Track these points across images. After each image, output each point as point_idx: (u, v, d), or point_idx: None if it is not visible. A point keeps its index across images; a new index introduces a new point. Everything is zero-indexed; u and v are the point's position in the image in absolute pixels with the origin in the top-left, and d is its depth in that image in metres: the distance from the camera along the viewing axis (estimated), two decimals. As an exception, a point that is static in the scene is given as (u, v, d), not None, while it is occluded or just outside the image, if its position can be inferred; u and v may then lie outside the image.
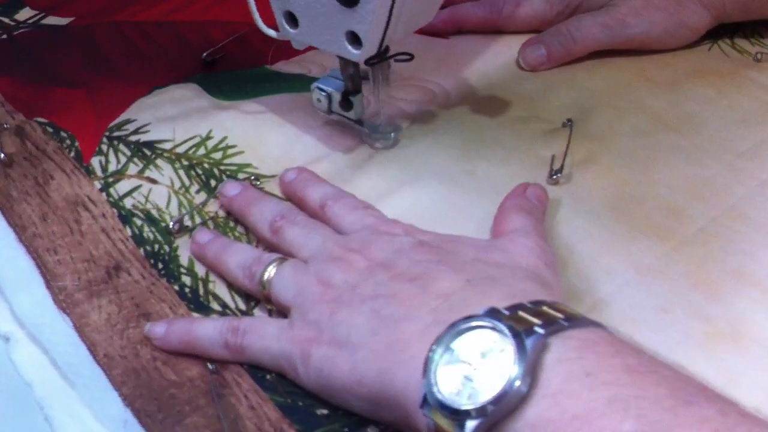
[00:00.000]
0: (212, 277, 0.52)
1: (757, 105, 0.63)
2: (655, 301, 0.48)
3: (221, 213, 0.56)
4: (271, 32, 0.60)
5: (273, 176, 0.59)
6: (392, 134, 0.61)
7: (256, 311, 0.50)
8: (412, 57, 0.58)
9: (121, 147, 0.62)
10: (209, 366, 0.46)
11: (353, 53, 0.55)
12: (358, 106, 0.60)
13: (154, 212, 0.56)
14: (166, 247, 0.54)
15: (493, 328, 0.36)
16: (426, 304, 0.41)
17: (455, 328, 0.37)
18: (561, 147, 0.59)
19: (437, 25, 0.74)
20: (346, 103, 0.60)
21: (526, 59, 0.68)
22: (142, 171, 0.59)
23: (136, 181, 0.59)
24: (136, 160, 0.60)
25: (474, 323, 0.37)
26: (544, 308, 0.38)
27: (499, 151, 0.60)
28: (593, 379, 0.34)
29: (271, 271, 0.48)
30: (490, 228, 0.52)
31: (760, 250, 0.50)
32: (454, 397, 0.35)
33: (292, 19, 0.57)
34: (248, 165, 0.60)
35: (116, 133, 0.63)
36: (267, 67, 0.72)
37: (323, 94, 0.60)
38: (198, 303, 0.50)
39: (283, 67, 0.72)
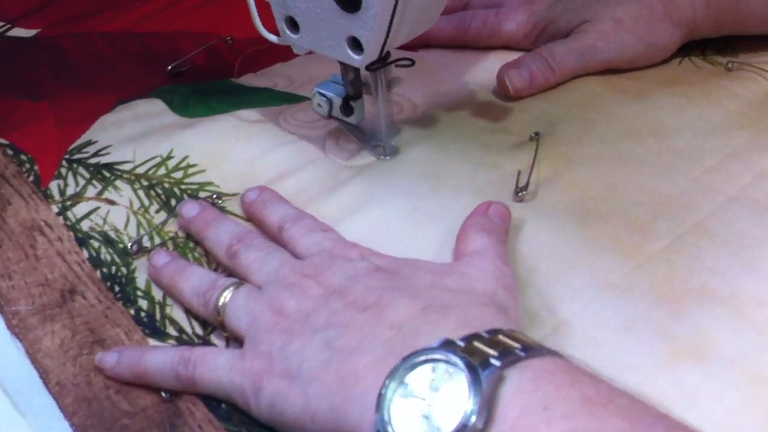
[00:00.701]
0: (169, 301, 0.51)
1: (726, 115, 0.63)
2: (618, 320, 0.47)
3: (181, 233, 0.55)
4: (273, 37, 0.59)
5: (235, 194, 0.58)
6: (392, 140, 0.61)
7: (213, 337, 0.49)
8: (413, 62, 0.59)
9: (80, 170, 0.61)
10: (163, 394, 0.45)
11: (354, 59, 0.55)
12: (358, 111, 0.60)
13: (111, 234, 0.55)
14: (124, 269, 0.53)
15: (447, 362, 0.35)
16: (379, 335, 0.40)
17: (409, 362, 0.36)
18: (528, 161, 0.58)
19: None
20: (347, 109, 0.60)
21: (513, 83, 0.66)
22: (100, 193, 0.58)
23: (94, 203, 0.58)
24: (95, 182, 0.59)
25: (428, 356, 0.36)
26: (500, 337, 0.37)
27: (466, 167, 0.59)
28: (551, 413, 0.34)
29: (225, 297, 0.47)
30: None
31: (725, 267, 0.50)
32: None
33: (293, 25, 0.57)
34: (210, 183, 0.59)
35: (76, 156, 0.62)
36: (232, 80, 0.71)
37: (324, 99, 0.60)
38: (154, 328, 0.49)
39: (249, 80, 0.71)
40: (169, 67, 0.72)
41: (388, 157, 0.61)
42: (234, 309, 0.47)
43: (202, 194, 0.58)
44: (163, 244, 0.54)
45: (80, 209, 0.57)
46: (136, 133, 0.64)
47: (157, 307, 0.50)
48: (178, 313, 0.50)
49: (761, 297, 0.47)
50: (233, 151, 0.61)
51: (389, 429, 0.35)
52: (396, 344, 0.39)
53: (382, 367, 0.38)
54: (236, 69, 0.72)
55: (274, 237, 0.53)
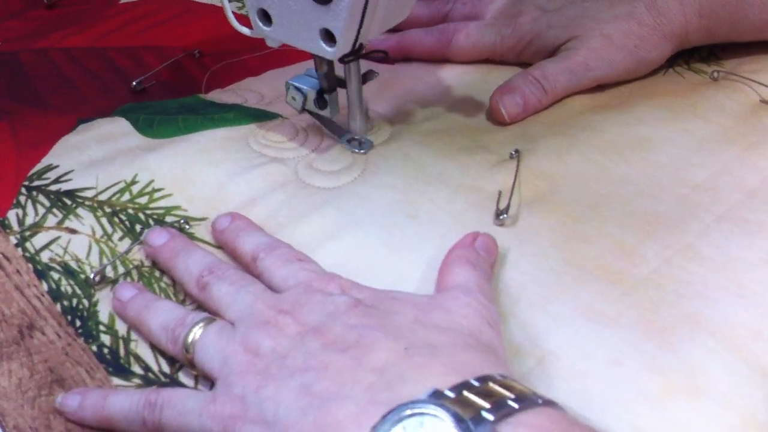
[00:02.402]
0: (134, 336, 0.48)
1: (713, 129, 0.61)
2: (606, 352, 0.45)
3: (146, 262, 0.53)
4: (245, 30, 0.58)
5: (204, 219, 0.55)
6: (366, 134, 0.60)
7: (181, 375, 0.46)
8: (386, 54, 0.59)
9: (40, 198, 0.58)
10: (127, 439, 0.43)
11: (327, 51, 0.54)
12: (333, 105, 0.59)
13: (72, 264, 0.53)
14: (85, 302, 0.50)
15: (436, 416, 0.33)
16: (360, 380, 0.38)
17: (395, 415, 0.34)
18: (508, 181, 0.56)
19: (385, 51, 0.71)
20: (321, 102, 0.59)
21: (508, 110, 0.63)
22: (61, 222, 0.55)
23: (54, 233, 0.55)
24: (55, 210, 0.56)
25: (415, 410, 0.34)
26: (491, 385, 0.35)
27: (443, 189, 0.56)
28: None
29: (195, 334, 0.44)
30: (435, 276, 0.49)
31: (716, 292, 0.47)
32: None
33: (266, 17, 0.56)
34: (177, 207, 0.56)
35: (36, 183, 0.59)
36: (200, 96, 0.68)
37: (298, 92, 0.59)
38: (118, 366, 0.47)
39: (217, 95, 0.68)
40: (133, 83, 0.69)
41: (363, 151, 0.60)
42: (204, 347, 0.44)
43: (168, 219, 0.55)
44: (127, 273, 0.52)
45: (40, 239, 0.54)
46: (99, 156, 0.61)
47: (121, 342, 0.48)
48: (143, 350, 0.47)
49: (754, 327, 0.45)
50: (201, 175, 0.58)
51: None
52: (379, 391, 0.37)
53: (364, 417, 0.36)
54: (204, 84, 0.70)
55: (248, 267, 0.50)
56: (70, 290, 0.51)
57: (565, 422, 0.35)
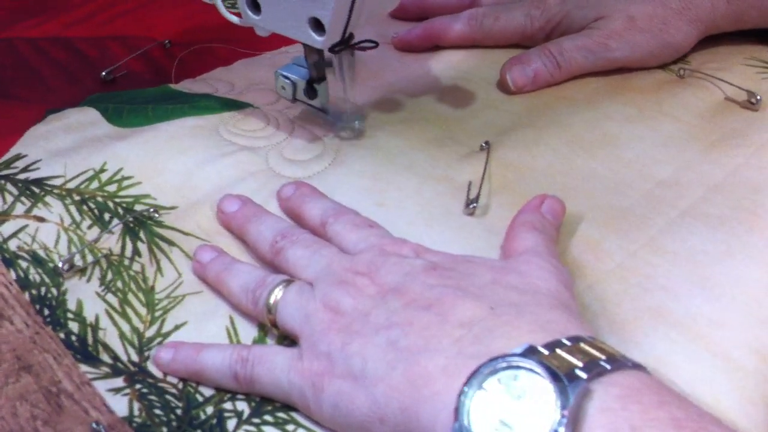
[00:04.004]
0: (102, 325, 0.48)
1: (678, 126, 0.61)
2: (570, 344, 0.46)
3: (115, 250, 0.52)
4: (234, 18, 0.58)
5: (173, 207, 0.55)
6: (356, 122, 0.61)
7: (149, 364, 0.46)
8: (377, 44, 0.58)
9: (8, 186, 0.57)
10: (94, 426, 0.43)
11: (317, 40, 0.54)
12: (322, 94, 0.59)
13: (41, 252, 0.52)
14: (54, 290, 0.50)
15: (531, 370, 0.34)
16: (447, 335, 0.39)
17: (489, 366, 0.35)
18: (478, 172, 0.57)
19: (413, 41, 0.72)
20: (311, 91, 0.59)
21: (515, 79, 0.65)
22: (29, 210, 0.55)
23: (22, 221, 0.54)
24: (23, 198, 0.56)
25: (510, 362, 0.35)
26: (583, 345, 0.36)
27: (412, 179, 0.57)
28: None
29: (276, 295, 0.46)
30: None
31: (679, 285, 0.48)
32: None
33: (255, 6, 0.56)
34: (146, 196, 0.56)
35: (4, 172, 0.58)
36: (170, 86, 0.68)
37: (287, 81, 0.59)
38: (86, 353, 0.46)
39: (188, 85, 0.68)
40: (103, 74, 0.69)
41: (354, 140, 0.60)
42: (286, 307, 0.45)
43: (137, 207, 0.55)
44: (96, 262, 0.52)
45: (7, 228, 0.54)
46: (67, 145, 0.60)
47: (89, 330, 0.48)
48: (112, 338, 0.47)
49: (716, 317, 0.46)
50: (170, 163, 0.58)
51: None
52: (467, 344, 0.38)
53: (453, 368, 0.37)
54: (173, 74, 0.69)
55: (316, 232, 0.51)
56: (38, 279, 0.51)
57: (655, 385, 0.36)
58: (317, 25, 0.53)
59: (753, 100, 0.63)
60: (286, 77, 0.59)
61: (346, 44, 0.55)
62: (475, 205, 0.54)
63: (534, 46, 0.68)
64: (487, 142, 0.59)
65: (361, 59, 0.70)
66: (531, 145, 0.60)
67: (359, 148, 0.60)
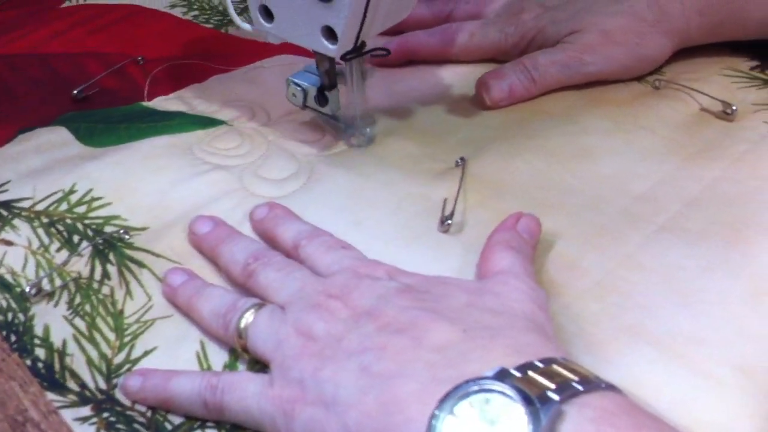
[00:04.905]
0: (70, 351, 0.47)
1: (655, 139, 0.61)
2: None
3: (84, 273, 0.51)
4: (247, 26, 0.58)
5: (144, 228, 0.54)
6: (368, 129, 0.61)
7: (117, 392, 0.45)
8: (389, 52, 0.60)
9: (-24, 210, 0.56)
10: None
11: (329, 48, 0.54)
12: (333, 101, 0.59)
13: (8, 277, 0.51)
14: (21, 316, 0.49)
15: (503, 393, 0.34)
16: (421, 359, 0.38)
17: (461, 390, 0.34)
18: (454, 189, 0.56)
19: (389, 56, 0.71)
20: (322, 99, 0.59)
21: (491, 94, 0.65)
22: (-4, 233, 0.54)
23: (-12, 246, 0.53)
24: (-10, 222, 0.55)
25: (482, 386, 0.34)
26: (555, 367, 0.36)
27: (389, 198, 0.56)
28: None
29: (248, 319, 0.45)
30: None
31: (657, 302, 0.48)
32: None
33: (268, 14, 0.56)
34: (116, 217, 0.55)
35: (-27, 195, 0.57)
36: (143, 104, 0.67)
37: (298, 89, 0.60)
38: (53, 381, 0.45)
39: (161, 103, 0.67)
40: (75, 91, 0.68)
41: (364, 147, 0.61)
42: (257, 332, 0.44)
43: (107, 229, 0.54)
44: (64, 286, 0.51)
45: (-27, 252, 0.53)
46: (37, 166, 0.59)
47: (56, 356, 0.47)
48: (79, 366, 0.46)
49: (696, 334, 0.46)
50: (142, 183, 0.57)
51: None
52: (441, 369, 0.37)
53: (426, 394, 0.36)
54: (146, 91, 0.69)
55: (289, 254, 0.50)
56: (5, 304, 0.50)
57: (630, 407, 0.35)
58: (330, 34, 0.53)
59: (728, 111, 0.62)
60: (298, 84, 0.60)
61: (358, 52, 0.55)
62: (449, 222, 0.53)
63: (509, 60, 0.68)
64: (462, 158, 0.59)
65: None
66: (507, 160, 0.59)
67: (335, 167, 0.59)
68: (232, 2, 0.58)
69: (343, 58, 0.55)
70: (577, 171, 0.58)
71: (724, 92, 0.65)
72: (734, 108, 0.62)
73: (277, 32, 0.56)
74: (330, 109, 0.60)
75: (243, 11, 0.76)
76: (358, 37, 0.54)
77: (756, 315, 0.46)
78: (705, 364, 0.44)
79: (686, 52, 0.69)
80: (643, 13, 0.65)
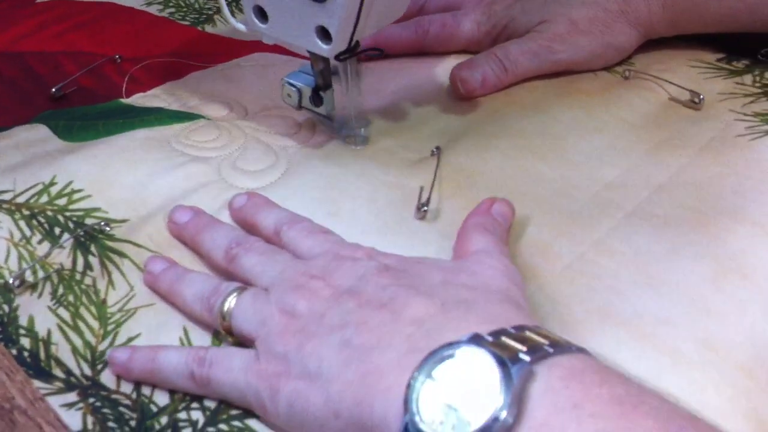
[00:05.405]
0: (54, 340, 0.48)
1: (625, 128, 0.63)
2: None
3: (66, 265, 0.52)
4: (241, 26, 0.59)
5: (124, 220, 0.55)
6: (362, 130, 0.61)
7: (103, 377, 0.46)
8: (382, 52, 0.59)
9: (-44, 203, 0.57)
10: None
11: (323, 48, 0.55)
12: (328, 101, 0.60)
13: (-9, 269, 0.52)
14: (5, 307, 0.50)
15: (476, 356, 0.35)
16: (399, 332, 0.40)
17: (437, 355, 0.36)
18: (429, 178, 0.57)
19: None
20: (316, 99, 0.59)
21: (464, 84, 0.66)
22: (-24, 226, 0.55)
23: (-30, 239, 0.54)
24: (-29, 215, 0.55)
25: (456, 350, 0.36)
26: (527, 333, 0.37)
27: (365, 188, 0.57)
28: (580, 411, 0.33)
29: (231, 302, 0.46)
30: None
31: (626, 284, 0.49)
32: (437, 427, 0.34)
33: (262, 14, 0.56)
34: (97, 209, 0.56)
35: (-48, 189, 0.58)
36: (121, 101, 0.68)
37: (293, 89, 0.60)
38: (38, 369, 0.46)
39: (139, 100, 0.68)
40: (53, 90, 0.68)
41: (360, 147, 0.61)
42: (241, 313, 0.45)
43: (88, 221, 0.55)
44: (47, 277, 0.51)
45: (-45, 246, 0.53)
46: (17, 161, 0.60)
47: (41, 345, 0.47)
48: (64, 353, 0.47)
49: (662, 314, 0.47)
50: (120, 176, 0.58)
51: (417, 420, 0.34)
52: (418, 340, 0.39)
53: (405, 363, 0.37)
54: (124, 89, 0.69)
55: (270, 240, 0.51)
56: (-12, 295, 0.51)
57: (597, 366, 0.37)
58: (324, 34, 0.54)
59: (696, 100, 0.64)
60: (292, 85, 0.60)
61: (352, 52, 0.56)
62: (425, 208, 0.55)
63: (481, 51, 0.69)
64: (438, 148, 0.60)
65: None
66: (481, 149, 0.61)
67: (311, 158, 0.60)
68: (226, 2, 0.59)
69: (337, 58, 0.56)
70: (549, 159, 0.60)
71: (692, 83, 0.67)
72: (702, 97, 0.64)
73: (271, 33, 0.57)
74: (325, 109, 0.60)
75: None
76: (352, 37, 0.54)
77: (720, 294, 0.48)
78: (671, 342, 0.46)
79: (655, 44, 0.71)
80: (609, 4, 0.68)
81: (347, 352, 0.40)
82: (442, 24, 0.72)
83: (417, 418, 0.34)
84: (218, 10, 0.78)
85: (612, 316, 0.47)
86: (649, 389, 0.36)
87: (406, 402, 0.35)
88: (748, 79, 0.69)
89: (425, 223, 0.54)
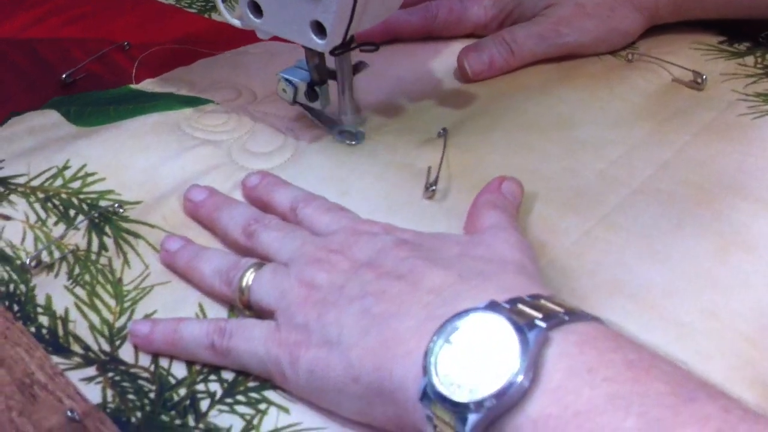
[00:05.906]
0: (72, 317, 0.49)
1: (628, 107, 0.64)
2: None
3: (81, 246, 0.53)
4: (236, 22, 0.59)
5: (138, 202, 0.56)
6: (360, 129, 0.61)
7: (121, 352, 0.47)
8: (377, 47, 0.59)
9: (-28, 187, 0.58)
10: (69, 413, 0.43)
11: (318, 43, 0.55)
12: (323, 96, 0.60)
13: (7, 250, 0.53)
14: (22, 287, 0.51)
15: (494, 322, 0.36)
16: (418, 300, 0.41)
17: (455, 321, 0.37)
18: (436, 158, 0.58)
19: (374, 38, 0.72)
20: (311, 94, 0.60)
21: (472, 66, 0.67)
22: (-6, 208, 0.56)
23: (-13, 220, 0.55)
24: (-13, 198, 0.56)
25: (474, 315, 0.36)
26: (543, 302, 0.38)
27: (374, 167, 0.58)
28: (594, 375, 0.34)
29: (249, 277, 0.47)
30: None
31: (632, 259, 0.50)
32: (455, 390, 0.35)
33: (257, 9, 0.57)
34: (110, 192, 0.57)
35: (-33, 174, 0.59)
36: (131, 87, 0.69)
37: (288, 84, 0.60)
38: (57, 345, 0.47)
39: (149, 86, 0.69)
40: (63, 76, 0.69)
41: (355, 143, 0.61)
42: (261, 286, 0.46)
43: (102, 203, 0.56)
44: (63, 258, 0.52)
45: (-27, 227, 0.54)
46: (31, 146, 0.61)
47: (59, 323, 0.48)
48: (82, 330, 0.48)
49: (668, 286, 0.48)
50: (133, 159, 0.59)
51: (436, 383, 0.35)
52: (437, 308, 0.39)
53: (424, 330, 0.38)
54: (134, 75, 0.70)
55: (286, 218, 0.52)
56: (6, 276, 0.51)
57: (611, 333, 0.37)
58: (319, 29, 0.54)
59: (699, 80, 0.65)
60: (288, 80, 0.60)
61: (347, 47, 0.56)
62: (434, 188, 0.55)
63: (488, 35, 0.70)
64: (444, 129, 0.61)
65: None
66: (488, 130, 0.62)
67: (320, 140, 0.61)
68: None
69: (332, 53, 0.56)
70: (555, 138, 0.60)
71: (694, 64, 0.68)
72: (704, 77, 0.65)
73: (266, 28, 0.57)
74: (320, 104, 0.61)
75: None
76: (347, 32, 0.54)
77: (723, 267, 0.49)
78: (675, 313, 0.46)
79: (657, 29, 0.72)
80: None
81: (367, 320, 0.41)
82: (449, 9, 0.73)
83: (435, 381, 0.35)
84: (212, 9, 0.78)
85: (619, 289, 0.48)
86: (661, 356, 0.37)
87: (425, 366, 0.36)
88: (750, 60, 0.69)
89: (434, 203, 0.55)
